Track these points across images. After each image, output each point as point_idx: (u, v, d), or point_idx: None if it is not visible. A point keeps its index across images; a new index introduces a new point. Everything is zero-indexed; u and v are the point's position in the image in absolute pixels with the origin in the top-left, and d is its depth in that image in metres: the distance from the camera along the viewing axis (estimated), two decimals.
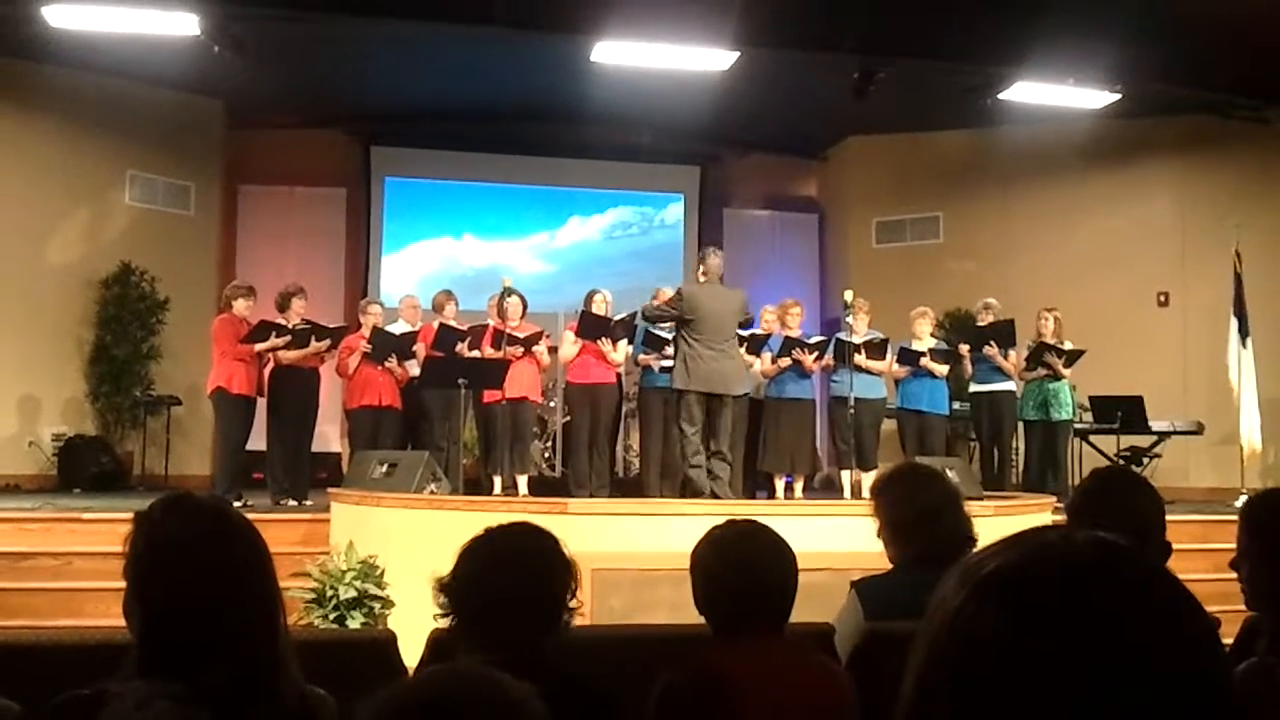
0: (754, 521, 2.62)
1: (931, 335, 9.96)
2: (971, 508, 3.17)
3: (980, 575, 0.78)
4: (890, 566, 3.11)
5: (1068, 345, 9.84)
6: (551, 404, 11.23)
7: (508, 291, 9.48)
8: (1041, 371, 9.77)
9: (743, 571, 2.47)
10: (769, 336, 9.46)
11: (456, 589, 2.19)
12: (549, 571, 2.22)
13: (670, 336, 8.73)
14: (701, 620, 2.55)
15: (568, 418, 10.04)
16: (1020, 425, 10.07)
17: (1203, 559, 7.90)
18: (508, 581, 2.17)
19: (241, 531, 1.90)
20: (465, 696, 0.97)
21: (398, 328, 9.56)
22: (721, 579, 2.49)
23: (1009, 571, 0.77)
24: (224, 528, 1.89)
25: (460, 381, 8.58)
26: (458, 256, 13.69)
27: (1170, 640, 0.74)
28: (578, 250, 14.01)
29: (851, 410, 9.11)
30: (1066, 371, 9.81)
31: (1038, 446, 9.89)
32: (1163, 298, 12.44)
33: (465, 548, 2.26)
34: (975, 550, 0.83)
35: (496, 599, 2.15)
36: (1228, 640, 2.99)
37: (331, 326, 9.28)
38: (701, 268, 8.35)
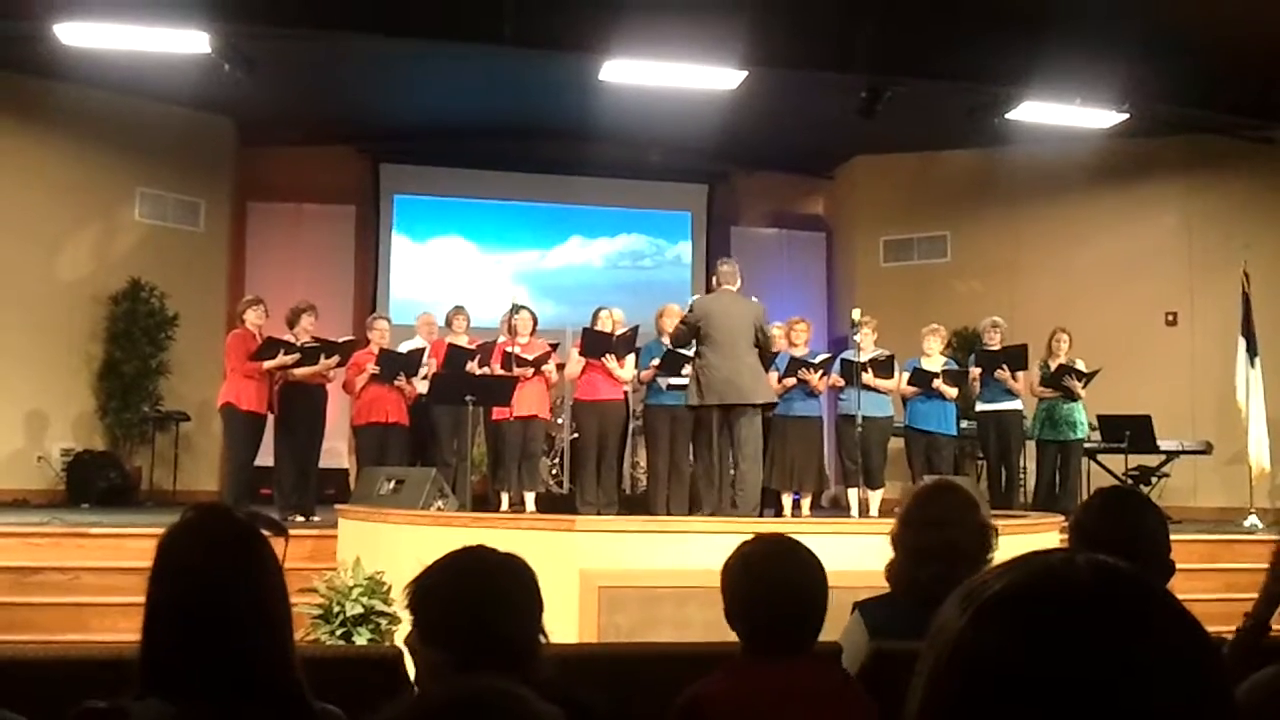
0: (786, 536, 2.62)
1: (941, 354, 9.96)
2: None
3: (982, 599, 0.78)
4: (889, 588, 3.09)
5: (1080, 365, 9.84)
6: (559, 421, 11.24)
7: (516, 308, 9.53)
8: (1056, 393, 9.78)
9: (775, 587, 2.46)
10: (776, 355, 9.46)
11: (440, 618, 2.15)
12: (527, 606, 2.18)
13: (690, 355, 8.72)
14: (711, 639, 2.55)
15: (575, 435, 10.03)
16: (1032, 445, 10.06)
17: (1211, 579, 7.89)
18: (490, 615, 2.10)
19: (259, 552, 1.90)
20: (486, 711, 0.96)
21: (413, 343, 9.61)
22: (753, 595, 2.48)
23: (1010, 595, 0.78)
24: (242, 548, 1.89)
25: (468, 398, 8.60)
26: (460, 271, 13.70)
27: (1172, 664, 0.74)
28: (569, 274, 14.00)
29: (859, 429, 9.09)
30: (1084, 393, 9.81)
31: (1049, 466, 9.88)
32: (1170, 317, 12.43)
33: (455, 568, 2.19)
34: (978, 573, 0.84)
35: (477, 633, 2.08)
36: None
37: (340, 341, 9.30)
38: (715, 279, 8.37)
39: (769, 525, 7.66)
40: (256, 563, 1.88)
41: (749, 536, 2.68)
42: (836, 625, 3.08)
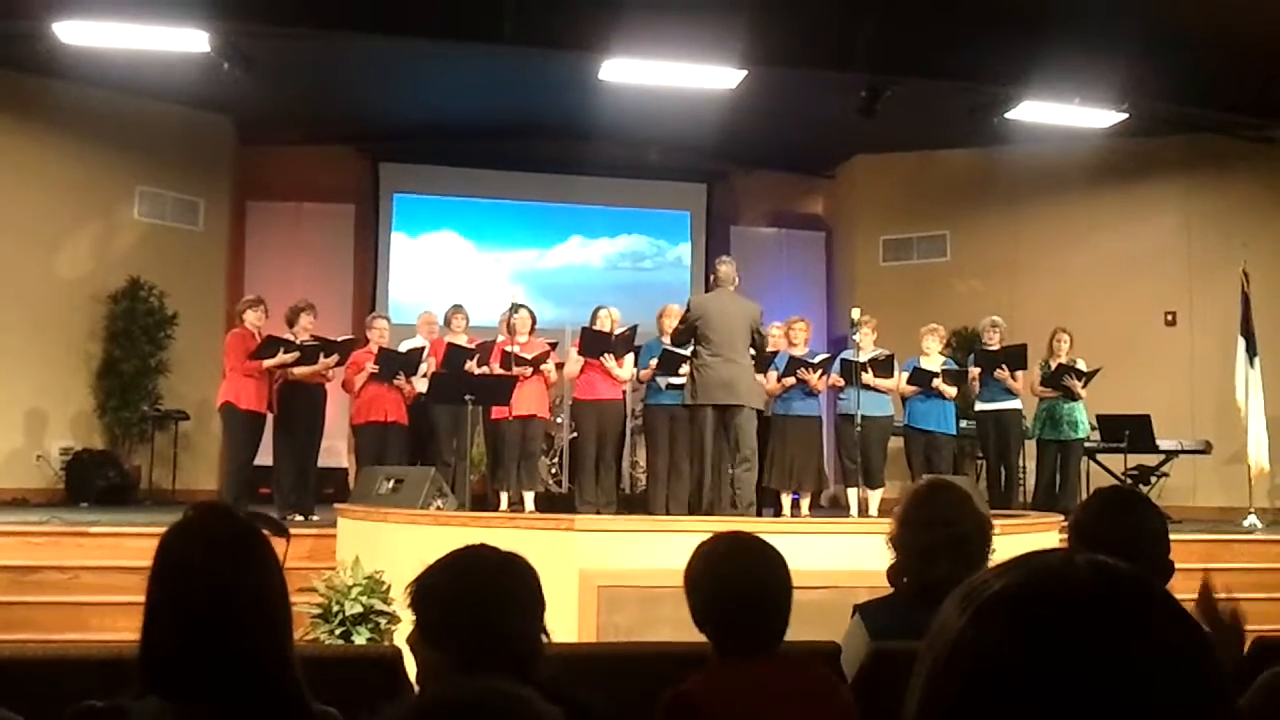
0: (745, 533, 2.61)
1: (940, 353, 9.95)
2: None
3: (981, 598, 0.78)
4: (891, 589, 3.07)
5: (1081, 365, 9.83)
6: (558, 420, 11.25)
7: (515, 307, 9.53)
8: (1056, 393, 9.79)
9: (739, 585, 2.44)
10: (775, 354, 9.45)
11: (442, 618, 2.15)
12: (530, 606, 2.19)
13: (687, 354, 8.72)
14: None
15: (574, 434, 10.03)
16: (1031, 445, 10.06)
17: (1210, 578, 7.89)
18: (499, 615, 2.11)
19: (260, 552, 1.89)
20: (488, 712, 0.96)
21: (413, 342, 9.62)
22: (717, 593, 2.47)
23: (1009, 595, 0.78)
24: (242, 548, 1.88)
25: (467, 398, 8.60)
26: (460, 271, 13.69)
27: (1171, 665, 0.74)
28: (568, 273, 13.98)
29: (858, 428, 9.09)
30: (1084, 393, 9.81)
31: (1049, 466, 9.87)
32: (1170, 317, 12.43)
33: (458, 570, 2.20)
34: (982, 567, 0.84)
35: (485, 632, 2.09)
36: None
37: (339, 340, 9.30)
38: (713, 277, 8.35)
39: (766, 524, 7.67)
40: (257, 562, 1.88)
41: (730, 531, 2.67)
42: (832, 624, 3.07)
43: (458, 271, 13.66)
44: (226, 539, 1.89)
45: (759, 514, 9.10)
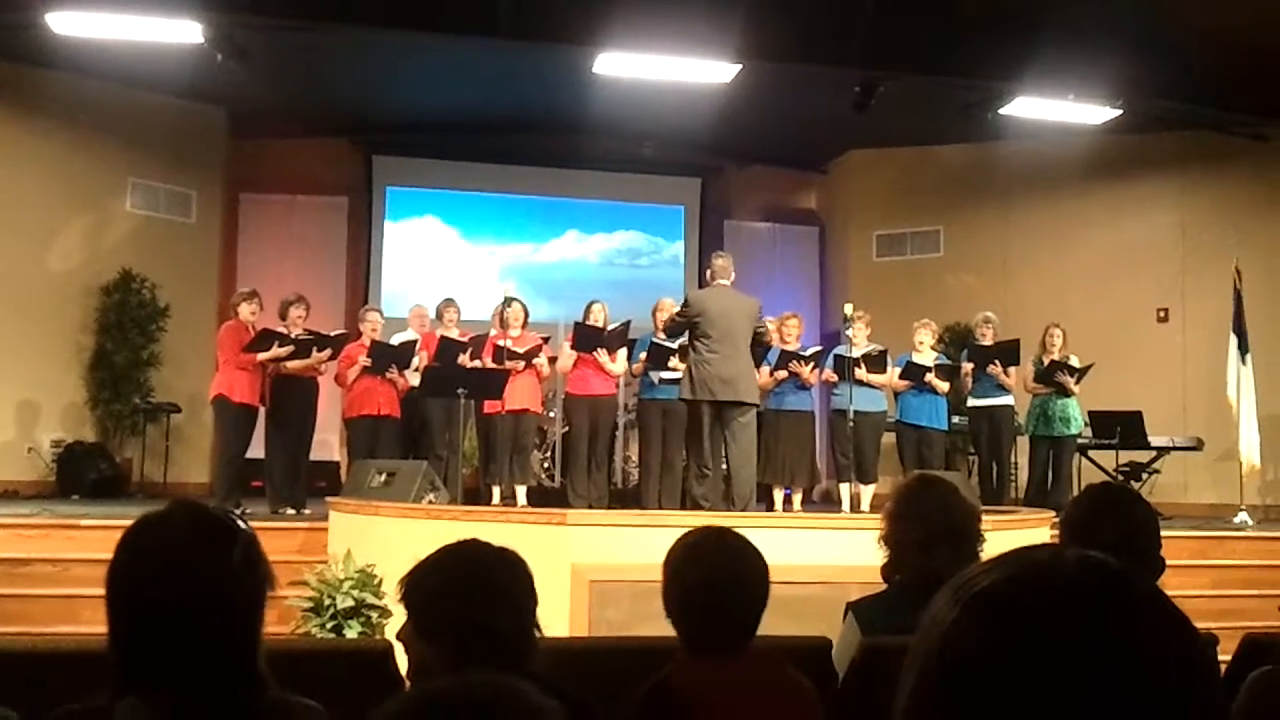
0: (722, 529, 2.61)
1: (932, 348, 9.96)
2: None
3: (971, 593, 0.78)
4: (883, 586, 3.09)
5: (1074, 360, 9.85)
6: (551, 414, 11.24)
7: (508, 300, 9.52)
8: (1049, 389, 9.80)
9: (712, 581, 2.44)
10: (768, 349, 9.46)
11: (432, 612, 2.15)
12: (521, 597, 2.19)
13: (675, 347, 8.73)
14: None
15: (567, 428, 10.05)
16: (1025, 440, 10.08)
17: (1201, 575, 7.92)
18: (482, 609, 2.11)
19: (229, 547, 1.83)
20: (486, 706, 0.95)
21: (405, 336, 9.61)
22: (689, 588, 2.46)
23: (998, 590, 0.78)
24: (209, 544, 1.83)
25: (460, 391, 8.60)
26: (453, 264, 13.68)
27: (1159, 660, 0.75)
28: (563, 269, 13.95)
29: (851, 423, 9.10)
30: (1077, 389, 9.82)
31: (1041, 462, 9.89)
32: (1162, 313, 12.44)
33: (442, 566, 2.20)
34: (970, 567, 0.84)
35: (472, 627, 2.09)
36: (1225, 657, 2.99)
37: (332, 334, 9.29)
38: (709, 272, 8.35)
39: (758, 519, 7.67)
40: (223, 558, 1.82)
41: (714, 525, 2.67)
42: (823, 619, 3.07)
43: (451, 265, 13.65)
44: (202, 533, 1.84)
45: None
